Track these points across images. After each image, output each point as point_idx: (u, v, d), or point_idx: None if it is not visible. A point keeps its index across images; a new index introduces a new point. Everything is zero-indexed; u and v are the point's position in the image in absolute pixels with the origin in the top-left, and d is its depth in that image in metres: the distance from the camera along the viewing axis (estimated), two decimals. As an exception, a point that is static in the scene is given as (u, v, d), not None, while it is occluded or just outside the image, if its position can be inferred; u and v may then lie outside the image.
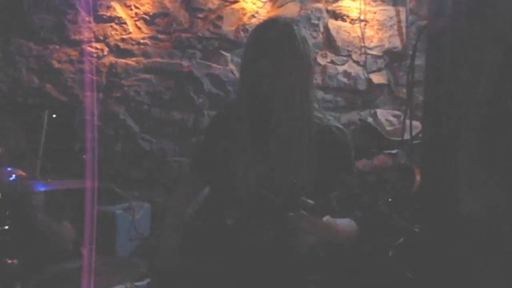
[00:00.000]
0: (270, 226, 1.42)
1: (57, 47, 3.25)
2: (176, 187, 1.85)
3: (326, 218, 1.41)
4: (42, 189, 2.04)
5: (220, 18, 3.24)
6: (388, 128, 3.04)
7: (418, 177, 1.85)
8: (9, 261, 1.85)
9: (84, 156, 2.82)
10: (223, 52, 3.27)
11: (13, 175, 1.94)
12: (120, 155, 3.29)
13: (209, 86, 3.27)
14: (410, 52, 2.72)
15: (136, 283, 2.07)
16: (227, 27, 3.25)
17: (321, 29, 3.29)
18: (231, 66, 3.26)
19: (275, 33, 1.55)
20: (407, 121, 2.32)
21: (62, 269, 2.04)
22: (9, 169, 1.94)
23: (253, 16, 3.23)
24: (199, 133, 3.22)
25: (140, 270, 2.14)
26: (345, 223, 1.49)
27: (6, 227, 1.89)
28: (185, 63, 3.25)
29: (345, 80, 3.32)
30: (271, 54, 1.53)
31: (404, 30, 3.30)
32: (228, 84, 3.25)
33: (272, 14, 3.20)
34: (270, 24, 1.64)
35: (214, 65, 3.27)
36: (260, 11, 3.24)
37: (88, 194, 2.09)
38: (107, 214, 2.77)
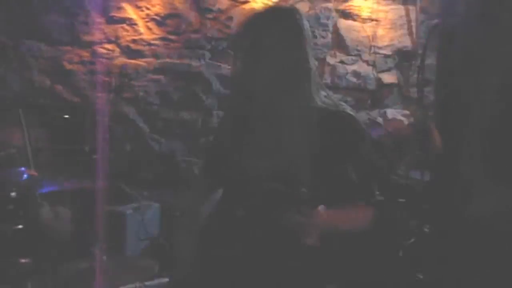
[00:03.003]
0: (277, 218, 1.41)
1: (69, 48, 3.27)
2: (190, 192, 1.84)
3: (321, 208, 1.38)
4: (53, 189, 2.05)
5: (230, 18, 3.25)
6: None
7: (435, 136, 1.81)
8: (22, 261, 1.87)
9: (94, 157, 2.83)
10: (233, 53, 3.27)
11: (25, 175, 1.95)
12: (130, 155, 3.31)
13: (218, 87, 3.28)
14: (421, 51, 2.70)
15: (146, 283, 2.08)
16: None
17: (331, 28, 3.28)
18: (241, 67, 3.26)
19: (271, 19, 1.49)
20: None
21: (73, 269, 2.05)
22: (21, 168, 1.96)
23: (262, 16, 3.24)
24: (208, 134, 3.23)
25: (150, 270, 2.15)
26: (348, 210, 1.47)
27: (20, 226, 1.90)
28: (194, 63, 3.26)
29: (354, 79, 3.31)
30: (267, 41, 1.45)
31: (414, 29, 3.28)
32: (238, 84, 3.25)
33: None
34: (266, 10, 1.58)
35: (224, 65, 3.27)
36: (270, 11, 3.24)
37: (98, 194, 2.10)
38: (117, 214, 2.79)
